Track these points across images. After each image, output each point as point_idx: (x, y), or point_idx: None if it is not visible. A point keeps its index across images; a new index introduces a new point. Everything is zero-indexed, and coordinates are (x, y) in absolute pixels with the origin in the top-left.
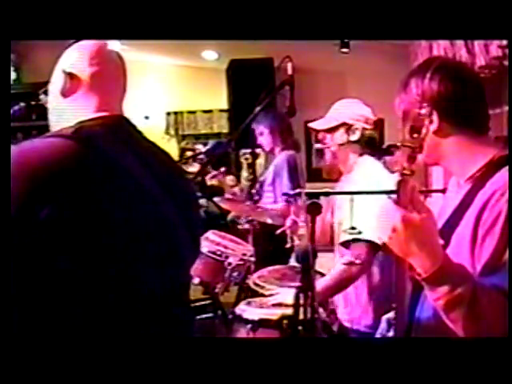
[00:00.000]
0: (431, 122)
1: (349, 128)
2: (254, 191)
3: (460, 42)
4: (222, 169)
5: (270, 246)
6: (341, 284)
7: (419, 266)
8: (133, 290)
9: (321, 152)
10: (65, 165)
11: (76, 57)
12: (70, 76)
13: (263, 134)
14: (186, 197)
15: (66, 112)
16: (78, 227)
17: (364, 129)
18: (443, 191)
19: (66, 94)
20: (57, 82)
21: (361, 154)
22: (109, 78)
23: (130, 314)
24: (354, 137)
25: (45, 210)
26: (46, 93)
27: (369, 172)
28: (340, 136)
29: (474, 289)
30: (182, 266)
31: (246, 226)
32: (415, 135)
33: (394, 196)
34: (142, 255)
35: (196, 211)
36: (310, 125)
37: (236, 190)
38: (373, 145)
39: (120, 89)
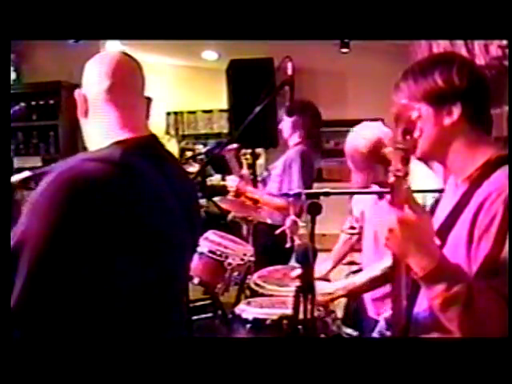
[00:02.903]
0: (450, 113)
1: (384, 159)
2: (259, 178)
3: (460, 42)
4: (235, 145)
5: (269, 244)
6: (371, 288)
7: (416, 265)
8: (135, 292)
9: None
10: (113, 190)
11: (94, 71)
12: (84, 98)
13: (288, 121)
14: (192, 201)
15: (92, 130)
16: (109, 239)
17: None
18: (442, 191)
19: (84, 115)
20: (78, 104)
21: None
22: (128, 90)
23: (131, 315)
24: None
25: (88, 226)
26: None
27: None
28: (381, 170)
29: (470, 288)
30: (185, 269)
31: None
32: (408, 137)
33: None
34: (151, 260)
35: (199, 213)
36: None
37: (243, 172)
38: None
39: (142, 99)
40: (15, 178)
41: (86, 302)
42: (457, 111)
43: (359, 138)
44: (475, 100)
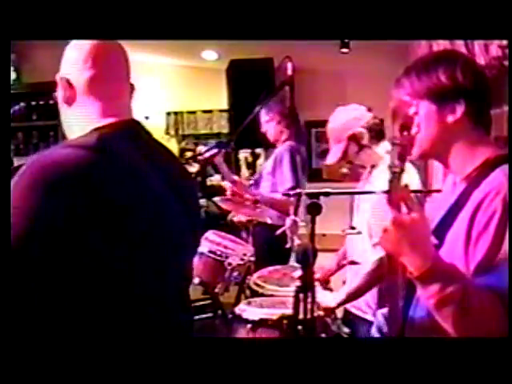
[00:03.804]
0: (453, 111)
1: (355, 137)
2: (252, 181)
3: (460, 42)
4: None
5: (269, 244)
6: (370, 284)
7: (411, 264)
8: (136, 291)
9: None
10: (89, 175)
11: (74, 58)
12: (68, 83)
13: (270, 122)
14: (191, 197)
15: (73, 120)
16: (93, 229)
17: (368, 128)
18: (440, 191)
19: (68, 102)
20: (59, 89)
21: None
22: (112, 78)
23: (131, 314)
24: (365, 140)
25: (64, 214)
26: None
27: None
28: (353, 149)
29: (465, 288)
30: (184, 266)
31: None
32: (405, 133)
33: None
34: (149, 257)
35: (199, 211)
36: (327, 163)
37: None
38: (381, 133)
39: (126, 85)
40: None
41: (71, 297)
42: (460, 109)
43: (336, 117)
44: (478, 99)
